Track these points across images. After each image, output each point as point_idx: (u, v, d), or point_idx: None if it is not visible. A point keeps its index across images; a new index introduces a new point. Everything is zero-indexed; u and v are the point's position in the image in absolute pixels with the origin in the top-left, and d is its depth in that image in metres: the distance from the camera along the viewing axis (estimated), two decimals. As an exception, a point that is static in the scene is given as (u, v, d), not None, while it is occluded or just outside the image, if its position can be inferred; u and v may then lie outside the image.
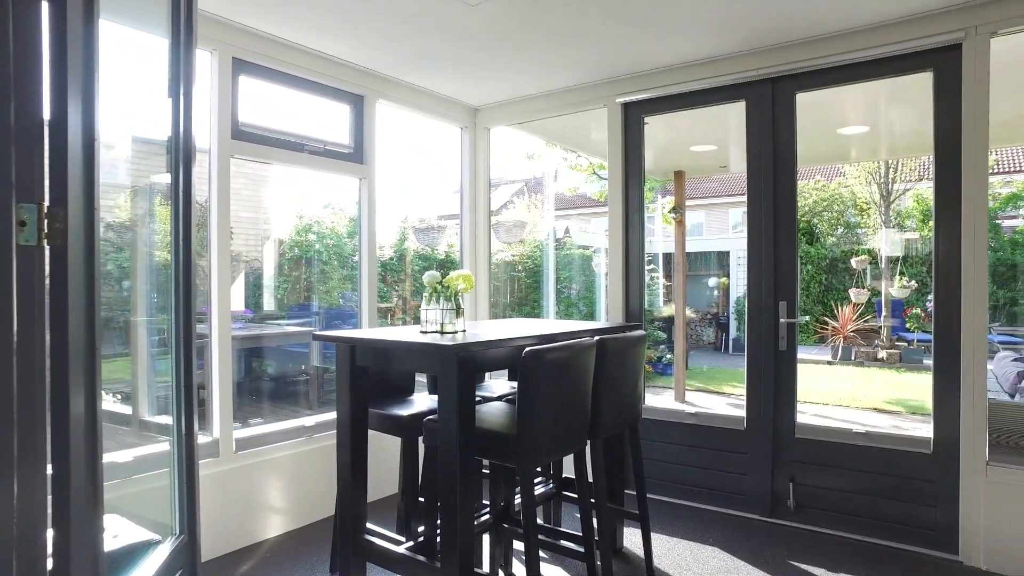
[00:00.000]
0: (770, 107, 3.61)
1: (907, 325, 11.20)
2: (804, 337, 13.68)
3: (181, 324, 1.93)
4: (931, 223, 3.25)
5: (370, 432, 2.67)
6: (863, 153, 8.40)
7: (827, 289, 13.62)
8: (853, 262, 11.49)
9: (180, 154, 1.92)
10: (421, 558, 2.38)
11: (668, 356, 9.66)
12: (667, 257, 15.55)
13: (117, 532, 1.82)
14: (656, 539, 3.31)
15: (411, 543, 2.56)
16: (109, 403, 2.79)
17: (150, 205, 2.64)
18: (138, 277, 2.74)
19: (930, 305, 12.53)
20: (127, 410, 2.98)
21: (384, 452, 3.61)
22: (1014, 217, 12.98)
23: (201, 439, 3.03)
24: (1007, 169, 16.37)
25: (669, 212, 8.40)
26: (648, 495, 3.59)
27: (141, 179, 2.66)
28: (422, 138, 7.36)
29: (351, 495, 2.58)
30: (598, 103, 4.19)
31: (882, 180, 11.57)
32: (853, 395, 8.55)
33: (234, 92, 3.28)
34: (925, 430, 3.27)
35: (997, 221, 12.85)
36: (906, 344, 11.01)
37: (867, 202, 12.66)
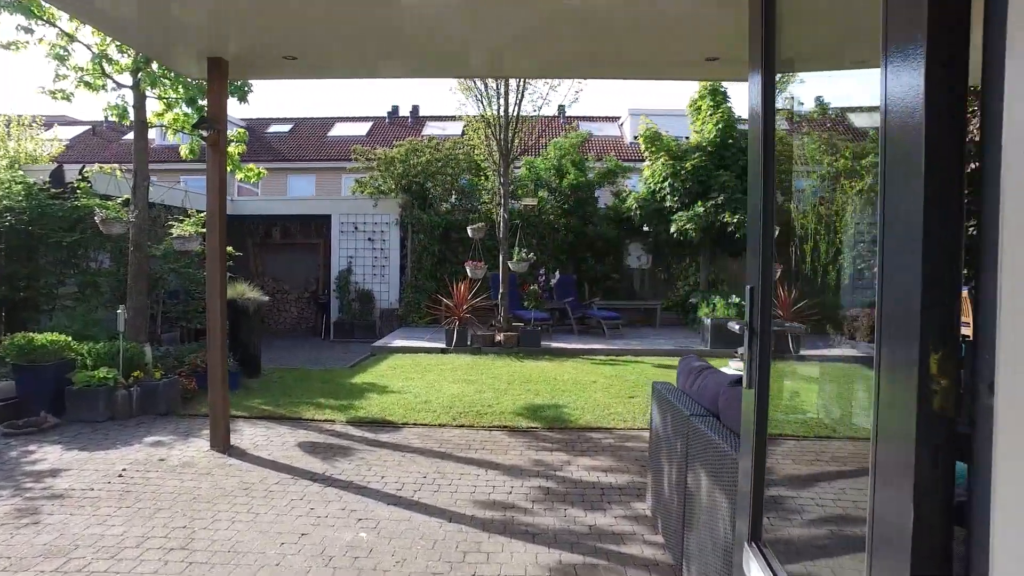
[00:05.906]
0: None
1: (524, 303, 10.14)
2: (416, 318, 11.87)
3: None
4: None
5: None
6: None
7: (440, 261, 12.03)
8: (469, 230, 9.89)
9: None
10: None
11: (231, 362, 6.30)
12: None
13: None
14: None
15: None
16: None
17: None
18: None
19: (553, 279, 11.84)
20: None
21: None
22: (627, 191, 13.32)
23: None
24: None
25: (194, 128, 5.11)
26: None
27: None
28: None
29: None
30: None
31: (501, 136, 10.07)
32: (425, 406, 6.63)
33: None
34: None
35: (597, 195, 12.97)
36: (523, 324, 9.92)
37: (485, 159, 11.21)
